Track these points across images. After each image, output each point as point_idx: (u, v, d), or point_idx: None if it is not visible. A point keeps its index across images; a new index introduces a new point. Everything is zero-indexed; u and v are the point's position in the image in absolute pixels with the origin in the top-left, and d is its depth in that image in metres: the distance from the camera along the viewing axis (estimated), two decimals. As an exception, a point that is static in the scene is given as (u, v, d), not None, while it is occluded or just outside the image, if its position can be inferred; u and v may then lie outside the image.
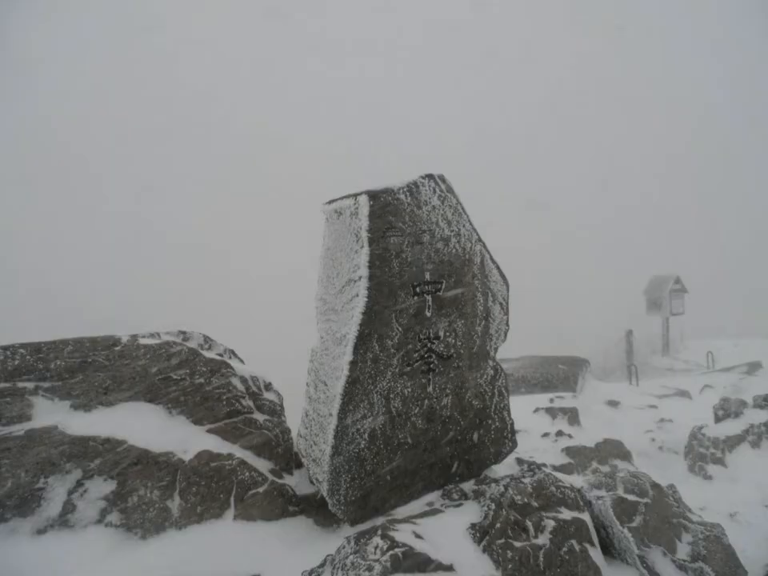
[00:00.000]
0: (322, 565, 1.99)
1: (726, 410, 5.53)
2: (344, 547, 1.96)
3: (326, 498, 2.32)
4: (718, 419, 5.58)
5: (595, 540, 2.24)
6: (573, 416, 5.99)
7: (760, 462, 4.67)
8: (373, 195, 2.15)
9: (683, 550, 2.36)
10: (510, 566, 1.95)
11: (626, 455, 5.15)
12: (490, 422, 2.79)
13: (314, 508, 2.56)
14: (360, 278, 2.14)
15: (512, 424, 2.93)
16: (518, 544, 2.02)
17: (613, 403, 7.53)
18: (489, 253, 2.67)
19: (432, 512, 2.26)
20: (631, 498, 2.47)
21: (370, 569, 1.77)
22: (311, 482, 2.60)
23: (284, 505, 2.50)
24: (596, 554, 2.18)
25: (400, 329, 2.28)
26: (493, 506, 2.15)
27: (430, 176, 2.39)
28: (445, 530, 2.07)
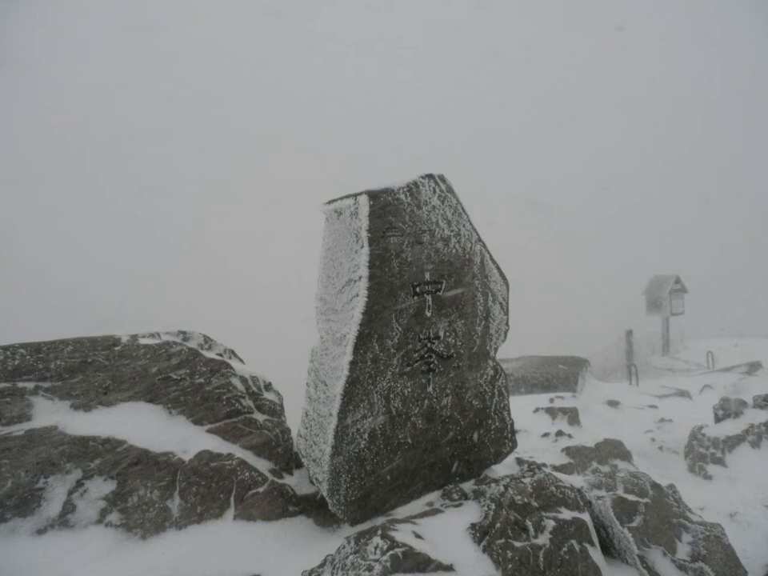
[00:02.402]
0: (322, 565, 1.99)
1: (726, 410, 5.54)
2: (344, 547, 1.96)
3: (326, 498, 2.32)
4: (717, 419, 5.58)
5: (595, 540, 2.24)
6: (573, 416, 5.98)
7: (760, 462, 4.68)
8: (373, 195, 2.15)
9: (683, 550, 2.36)
10: (509, 566, 1.95)
11: (626, 455, 5.15)
12: (489, 421, 2.79)
13: (314, 508, 2.56)
14: (360, 277, 2.14)
15: (512, 424, 2.93)
16: (518, 544, 2.02)
17: (613, 403, 7.54)
18: (489, 253, 2.67)
19: (432, 512, 2.25)
20: (631, 498, 2.47)
21: (369, 569, 1.77)
22: (311, 482, 2.60)
23: (284, 505, 2.50)
24: (596, 554, 2.18)
25: (400, 329, 2.28)
26: (493, 506, 2.15)
27: (429, 176, 2.38)
28: (445, 529, 2.06)
